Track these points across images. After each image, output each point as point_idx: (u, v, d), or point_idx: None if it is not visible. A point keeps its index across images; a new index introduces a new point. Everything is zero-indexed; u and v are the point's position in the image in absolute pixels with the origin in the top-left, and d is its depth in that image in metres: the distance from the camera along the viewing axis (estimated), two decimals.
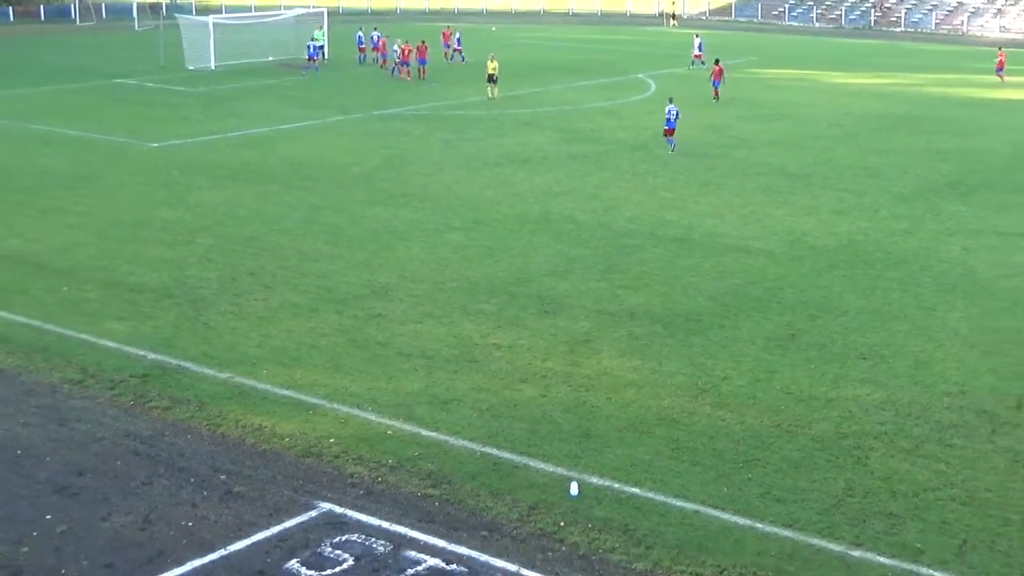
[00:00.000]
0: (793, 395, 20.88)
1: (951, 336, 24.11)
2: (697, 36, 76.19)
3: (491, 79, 57.40)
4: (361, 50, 73.83)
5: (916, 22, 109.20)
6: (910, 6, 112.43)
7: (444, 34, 76.71)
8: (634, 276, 27.94)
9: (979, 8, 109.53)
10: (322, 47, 73.93)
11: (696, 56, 73.57)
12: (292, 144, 44.94)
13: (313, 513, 16.35)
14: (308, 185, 37.49)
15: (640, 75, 68.96)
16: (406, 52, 66.02)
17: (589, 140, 46.74)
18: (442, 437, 18.90)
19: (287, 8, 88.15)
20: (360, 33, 74.66)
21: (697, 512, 16.56)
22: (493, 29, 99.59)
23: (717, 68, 59.01)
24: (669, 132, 44.46)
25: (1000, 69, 69.97)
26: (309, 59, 68.72)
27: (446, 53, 74.71)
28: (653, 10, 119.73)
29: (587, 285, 27.18)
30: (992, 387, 21.39)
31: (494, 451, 18.40)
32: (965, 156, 44.30)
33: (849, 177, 39.98)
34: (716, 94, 58.39)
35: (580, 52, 80.00)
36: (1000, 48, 74.13)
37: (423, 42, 66.77)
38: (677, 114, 44.30)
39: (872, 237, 31.90)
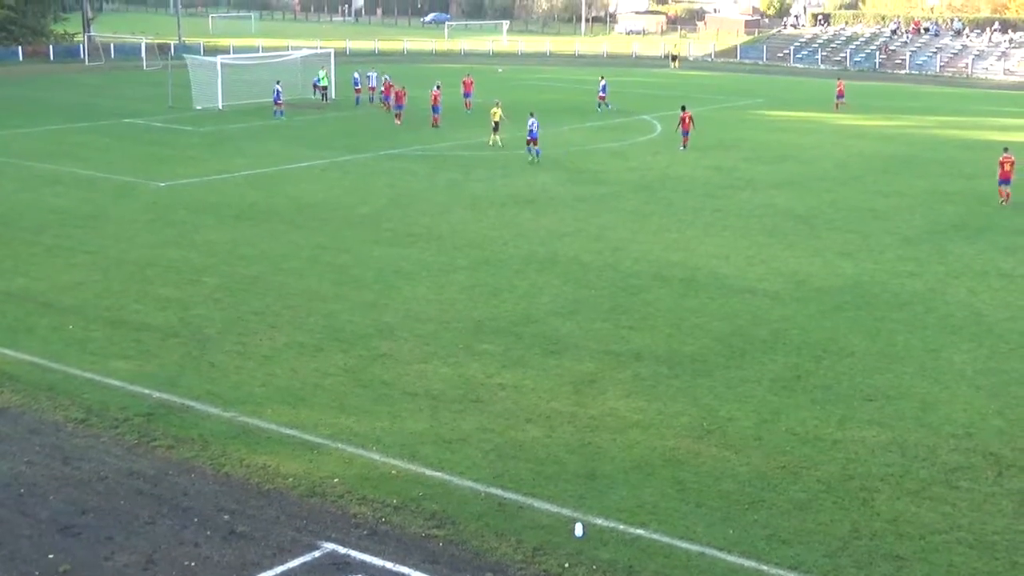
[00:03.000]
0: (799, 436, 20.81)
1: (957, 378, 24.05)
2: (602, 78, 74.66)
3: (495, 127, 55.67)
4: (357, 91, 73.25)
5: (921, 64, 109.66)
6: (915, 49, 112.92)
7: (464, 83, 71.65)
8: (639, 317, 27.94)
9: (983, 51, 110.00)
10: (326, 88, 74.31)
11: (600, 98, 72.24)
12: (298, 184, 45.09)
13: (317, 553, 16.28)
14: (314, 225, 37.57)
15: (646, 116, 69.21)
16: (435, 97, 62.37)
17: (595, 181, 46.85)
18: (447, 477, 18.85)
19: (294, 48, 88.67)
20: (356, 74, 74.61)
21: (702, 554, 16.48)
22: (500, 71, 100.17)
23: (684, 115, 56.17)
24: (531, 141, 51.25)
25: (840, 96, 74.57)
26: (275, 103, 65.62)
27: (467, 103, 70.07)
28: (659, 52, 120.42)
29: (592, 326, 27.17)
30: (999, 429, 21.31)
31: (499, 492, 18.34)
32: (970, 198, 44.34)
33: (854, 219, 40.02)
34: (685, 142, 55.78)
35: (586, 93, 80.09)
36: (839, 79, 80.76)
37: (404, 88, 65.46)
38: (538, 126, 51.40)
39: (877, 279, 31.90)
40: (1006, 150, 43.75)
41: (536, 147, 51.24)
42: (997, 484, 19.00)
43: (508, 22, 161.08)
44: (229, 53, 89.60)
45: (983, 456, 20.08)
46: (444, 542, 16.69)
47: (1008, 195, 42.91)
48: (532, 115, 52.33)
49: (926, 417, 21.83)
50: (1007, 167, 42.86)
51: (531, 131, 51.04)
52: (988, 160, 53.34)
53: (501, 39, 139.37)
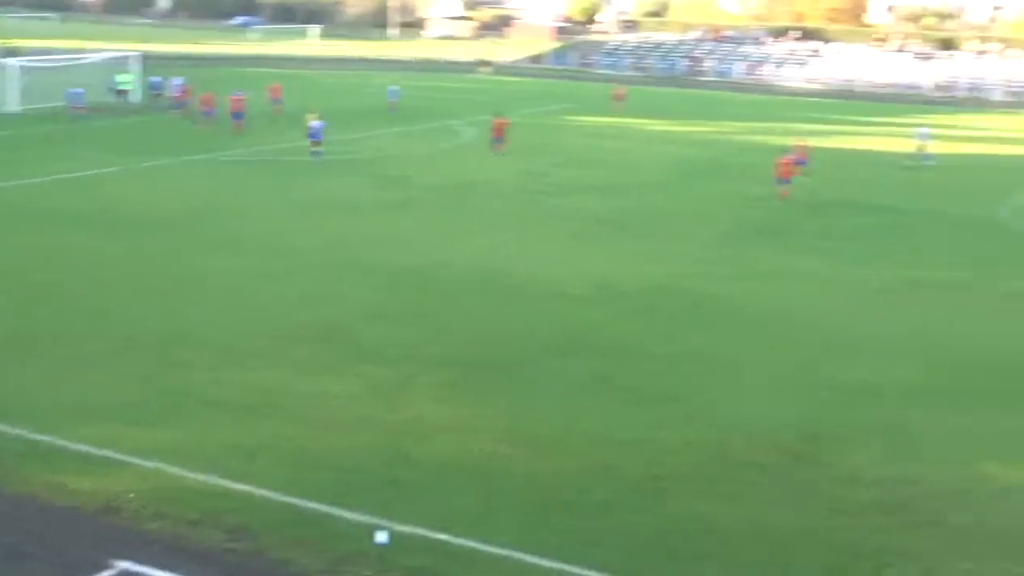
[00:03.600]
0: (604, 438, 20.96)
1: (751, 376, 24.63)
2: (394, 84, 76.63)
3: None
4: (158, 96, 71.31)
5: (724, 72, 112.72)
6: (718, 56, 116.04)
7: (272, 89, 70.53)
8: (447, 322, 27.81)
9: (783, 59, 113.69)
10: (127, 91, 72.16)
11: (390, 103, 74.32)
12: (101, 189, 43.58)
13: (108, 572, 15.62)
14: (118, 231, 36.26)
15: (454, 122, 69.32)
16: (237, 103, 61.01)
17: (403, 187, 46.62)
18: (247, 489, 18.33)
19: (94, 51, 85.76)
20: (158, 78, 72.72)
21: (509, 557, 16.41)
22: (309, 75, 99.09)
23: (498, 121, 56.25)
24: (315, 144, 52.43)
25: (618, 99, 78.23)
26: (74, 107, 64.06)
27: (276, 109, 68.38)
28: (469, 57, 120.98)
29: (400, 331, 26.91)
30: (791, 424, 21.86)
31: (302, 501, 17.92)
32: (772, 202, 45.62)
33: (661, 222, 40.77)
34: (499, 148, 55.64)
35: (397, 97, 79.87)
36: (616, 83, 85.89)
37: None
38: (322, 127, 52.89)
39: (681, 283, 32.46)
40: (784, 152, 46.86)
41: (319, 149, 52.24)
42: (787, 477, 19.50)
43: (320, 26, 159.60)
44: (25, 55, 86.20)
45: (777, 452, 20.58)
46: (244, 555, 16.21)
47: (786, 193, 45.84)
48: (318, 117, 53.65)
49: (719, 417, 22.24)
50: (784, 167, 46.34)
51: (313, 133, 52.51)
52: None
53: (311, 43, 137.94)
